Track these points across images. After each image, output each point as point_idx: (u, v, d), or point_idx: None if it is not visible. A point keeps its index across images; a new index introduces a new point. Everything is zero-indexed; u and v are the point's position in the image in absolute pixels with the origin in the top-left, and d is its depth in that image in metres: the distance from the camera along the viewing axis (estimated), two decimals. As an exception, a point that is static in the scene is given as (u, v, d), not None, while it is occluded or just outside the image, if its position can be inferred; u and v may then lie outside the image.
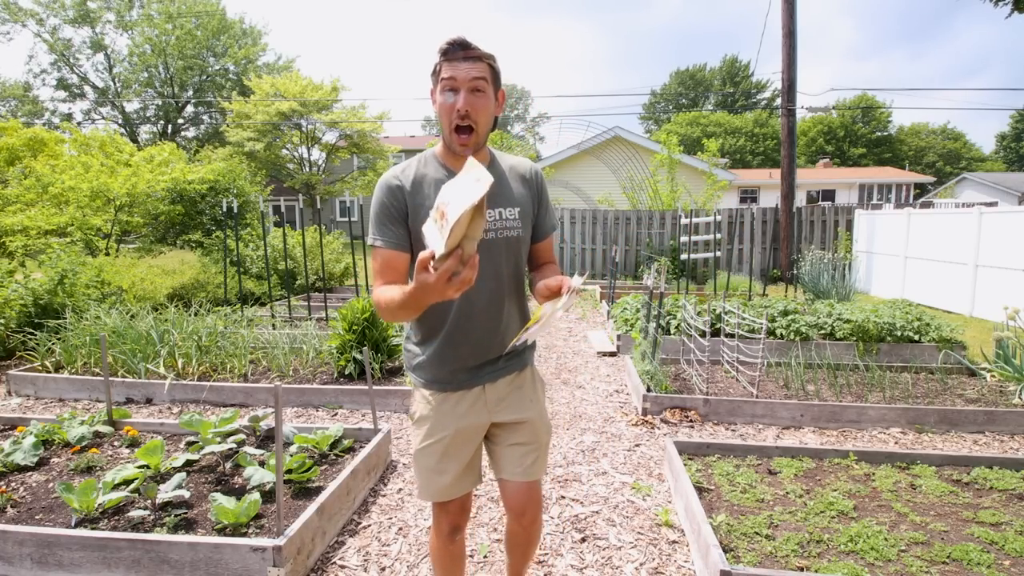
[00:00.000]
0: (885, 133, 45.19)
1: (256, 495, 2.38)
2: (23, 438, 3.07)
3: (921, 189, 32.24)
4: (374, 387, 4.18)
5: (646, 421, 4.00)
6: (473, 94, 1.39)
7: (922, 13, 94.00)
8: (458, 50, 1.38)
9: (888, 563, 2.14)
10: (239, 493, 2.59)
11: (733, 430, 3.86)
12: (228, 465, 2.88)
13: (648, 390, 4.19)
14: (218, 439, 3.06)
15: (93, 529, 2.30)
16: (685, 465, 2.90)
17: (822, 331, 5.68)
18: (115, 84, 32.10)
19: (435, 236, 1.09)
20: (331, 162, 25.76)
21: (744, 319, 4.89)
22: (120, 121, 32.16)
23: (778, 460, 3.05)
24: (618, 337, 6.12)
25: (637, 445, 3.62)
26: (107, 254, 8.56)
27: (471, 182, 1.05)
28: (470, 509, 1.74)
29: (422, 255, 1.08)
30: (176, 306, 5.86)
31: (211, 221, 10.18)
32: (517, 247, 1.54)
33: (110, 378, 4.43)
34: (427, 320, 1.54)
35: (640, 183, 15.24)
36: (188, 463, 2.92)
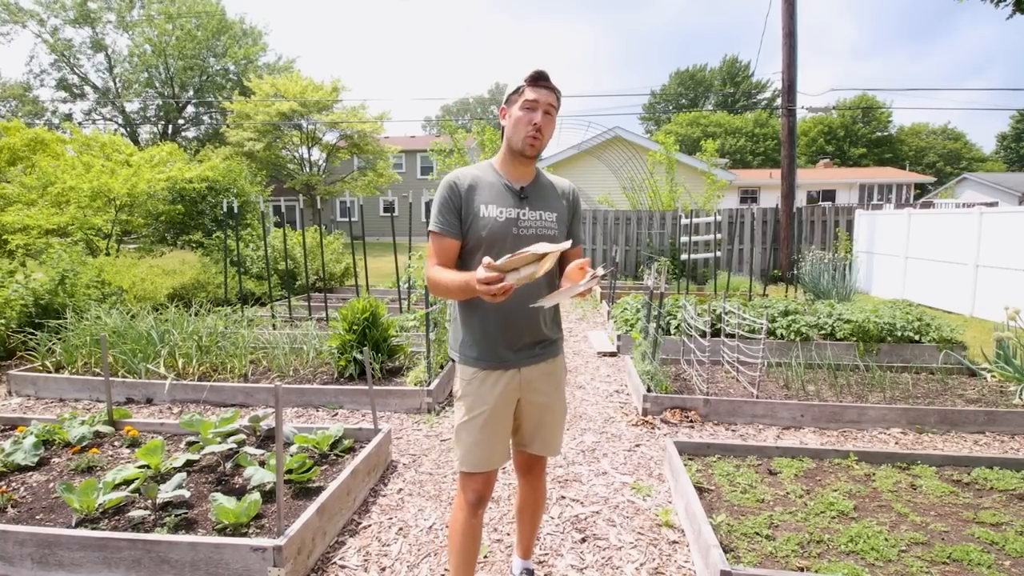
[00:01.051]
0: (885, 133, 45.17)
1: (256, 495, 2.38)
2: (24, 438, 3.07)
3: (921, 189, 32.23)
4: (374, 387, 4.18)
5: (646, 421, 4.00)
6: (546, 116, 1.73)
7: (924, 12, 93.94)
8: (541, 80, 1.72)
9: (888, 563, 2.14)
10: (239, 493, 2.60)
11: (733, 430, 3.86)
12: (228, 465, 2.89)
13: (648, 390, 4.19)
14: (218, 439, 3.06)
15: (93, 529, 2.30)
16: (685, 465, 2.90)
17: (822, 331, 5.68)
18: (115, 84, 32.10)
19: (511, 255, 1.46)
20: (331, 162, 25.74)
21: (744, 319, 4.89)
22: (120, 121, 32.17)
23: (778, 460, 3.05)
24: (618, 337, 6.12)
25: (637, 445, 3.62)
26: (108, 254, 8.57)
27: (552, 248, 1.45)
28: (494, 484, 1.93)
29: (486, 259, 1.44)
30: (176, 306, 5.86)
31: (211, 221, 10.18)
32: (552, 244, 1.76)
33: (110, 378, 4.44)
34: (477, 306, 1.79)
35: (640, 183, 15.24)
36: (188, 463, 2.92)
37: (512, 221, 1.75)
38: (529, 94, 1.71)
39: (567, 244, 1.51)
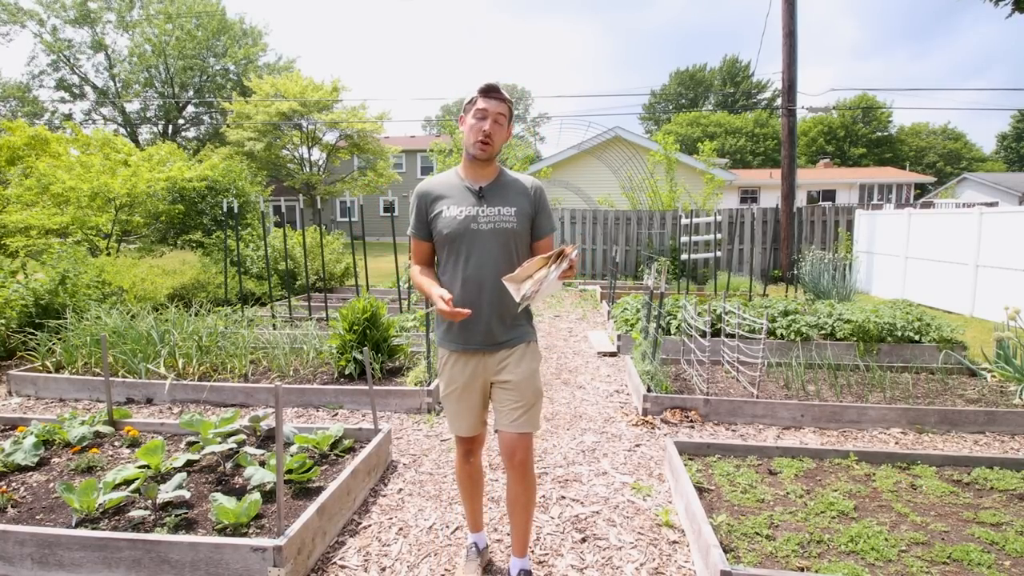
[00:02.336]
0: (885, 133, 45.15)
1: (256, 495, 2.38)
2: (24, 438, 3.07)
3: (921, 189, 32.22)
4: (374, 387, 4.18)
5: (646, 421, 4.00)
6: (495, 124, 1.95)
7: (925, 12, 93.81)
8: (492, 92, 1.95)
9: (888, 563, 2.14)
10: (239, 493, 2.60)
11: (733, 430, 3.86)
12: (228, 465, 2.89)
13: (648, 390, 4.19)
14: (218, 439, 3.06)
15: (94, 529, 2.30)
16: (685, 465, 2.90)
17: (822, 331, 5.68)
18: (115, 84, 32.08)
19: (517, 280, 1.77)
20: (331, 162, 25.73)
21: (744, 319, 4.89)
22: (120, 121, 32.16)
23: (778, 460, 3.05)
24: (618, 337, 6.12)
25: (637, 445, 3.62)
26: (108, 254, 8.56)
27: (551, 252, 1.77)
28: (482, 442, 2.25)
29: (447, 295, 1.89)
30: (177, 306, 5.86)
31: (211, 221, 10.18)
32: (511, 237, 2.00)
33: (111, 378, 4.44)
34: (448, 288, 2.03)
35: (640, 183, 15.24)
36: (189, 463, 2.92)
37: (471, 218, 1.96)
38: (480, 103, 1.94)
39: (572, 247, 1.74)
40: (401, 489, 3.02)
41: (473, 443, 2.19)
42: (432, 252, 2.12)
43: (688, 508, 2.52)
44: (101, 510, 2.44)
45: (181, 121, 34.03)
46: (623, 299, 7.13)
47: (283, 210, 8.96)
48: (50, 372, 4.72)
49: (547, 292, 1.75)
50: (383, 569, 2.33)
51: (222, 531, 2.30)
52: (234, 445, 3.04)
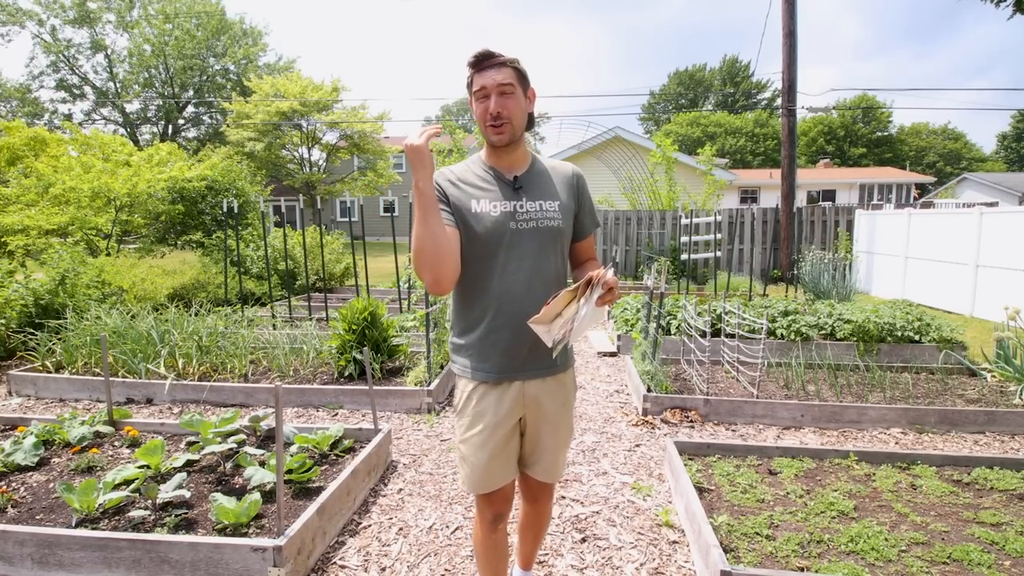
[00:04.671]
0: (885, 133, 45.17)
1: (256, 495, 2.38)
2: (24, 438, 3.07)
3: (922, 189, 32.22)
4: (374, 387, 4.19)
5: (646, 421, 4.00)
6: (502, 96, 1.53)
7: (928, 11, 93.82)
8: (484, 61, 1.53)
9: (888, 563, 2.14)
10: (239, 493, 2.60)
11: (733, 430, 3.86)
12: (228, 465, 2.88)
13: (648, 390, 4.19)
14: (218, 439, 3.06)
15: (94, 529, 2.30)
16: (685, 465, 2.90)
17: (822, 331, 5.68)
18: (115, 84, 32.08)
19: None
20: (331, 162, 25.74)
21: (744, 319, 4.89)
22: (120, 122, 32.15)
23: (778, 460, 3.05)
24: (618, 337, 6.12)
25: (637, 445, 3.62)
26: (108, 254, 8.56)
27: (579, 282, 1.43)
28: (512, 498, 1.79)
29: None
30: (177, 306, 5.86)
31: (212, 221, 10.18)
32: (556, 236, 1.62)
33: (111, 378, 4.44)
34: (472, 306, 1.63)
35: (640, 183, 15.23)
36: (188, 463, 2.92)
37: (508, 215, 1.57)
38: (477, 81, 1.55)
39: (602, 271, 1.41)
40: (401, 489, 3.02)
41: (505, 503, 1.73)
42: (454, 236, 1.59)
43: (688, 508, 2.52)
44: (101, 510, 2.44)
45: (181, 121, 34.03)
46: (623, 299, 7.13)
47: (283, 210, 8.94)
48: (50, 372, 4.72)
49: (585, 329, 1.44)
50: (383, 569, 2.33)
51: (222, 531, 2.30)
52: (234, 445, 3.04)
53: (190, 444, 3.14)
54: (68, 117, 31.56)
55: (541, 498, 1.86)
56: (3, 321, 5.39)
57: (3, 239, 8.37)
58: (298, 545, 2.17)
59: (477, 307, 1.61)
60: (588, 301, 1.41)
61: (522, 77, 1.57)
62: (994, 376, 4.74)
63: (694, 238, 12.01)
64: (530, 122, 1.63)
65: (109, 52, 31.19)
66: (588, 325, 1.45)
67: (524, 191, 1.61)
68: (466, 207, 1.58)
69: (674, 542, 2.52)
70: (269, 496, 2.56)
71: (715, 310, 5.38)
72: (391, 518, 2.73)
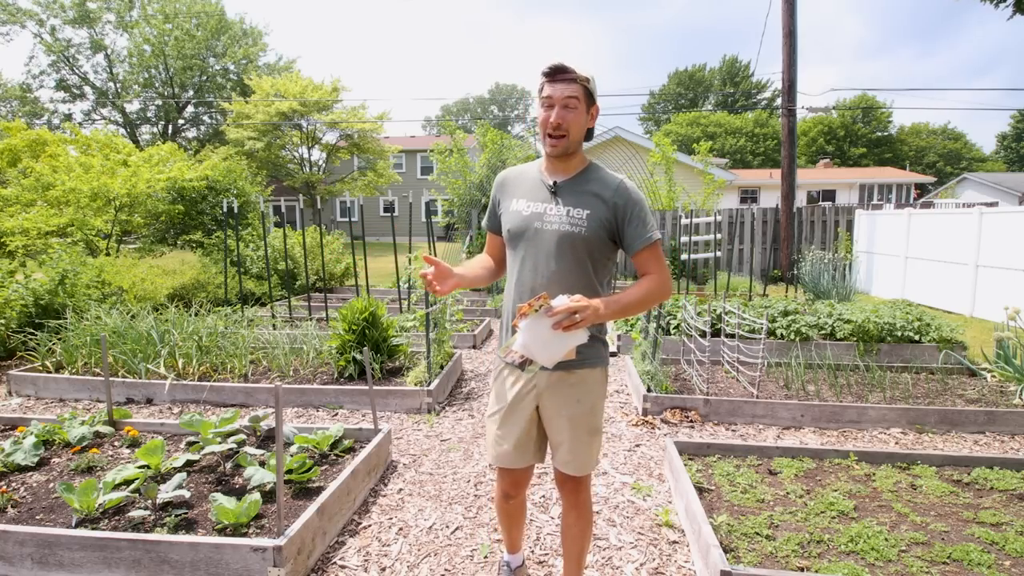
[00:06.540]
0: (885, 133, 45.17)
1: (256, 495, 2.38)
2: (24, 438, 3.07)
3: (922, 189, 32.22)
4: (374, 387, 4.18)
5: (646, 421, 4.00)
6: (565, 110, 1.63)
7: (930, 11, 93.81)
8: (557, 73, 1.63)
9: (888, 563, 2.14)
10: (239, 493, 2.59)
11: (733, 430, 3.86)
12: (228, 465, 2.88)
13: (648, 390, 4.19)
14: (218, 439, 3.06)
15: (94, 529, 2.30)
16: (685, 465, 2.90)
17: (822, 331, 5.68)
18: (115, 85, 32.07)
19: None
20: (331, 162, 25.73)
21: (744, 319, 4.89)
22: (120, 122, 32.15)
23: (778, 460, 3.05)
24: (618, 337, 6.12)
25: (637, 445, 3.62)
26: (108, 254, 8.56)
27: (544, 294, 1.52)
28: (525, 483, 1.93)
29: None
30: (176, 306, 5.86)
31: (212, 221, 10.18)
32: (577, 242, 1.69)
33: (111, 378, 4.44)
34: (507, 292, 1.82)
35: (640, 183, 15.23)
36: (188, 463, 2.92)
37: (536, 215, 1.71)
38: (546, 90, 1.66)
39: (544, 297, 1.48)
40: (401, 489, 3.02)
41: (515, 486, 1.88)
42: (500, 247, 1.88)
43: (688, 508, 2.52)
44: (101, 510, 2.44)
45: (181, 121, 34.02)
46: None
47: (283, 210, 8.97)
48: (50, 372, 4.72)
49: (554, 352, 1.50)
50: (383, 569, 2.33)
51: (222, 531, 2.30)
52: (234, 445, 3.04)
53: (190, 444, 3.14)
54: (68, 117, 31.57)
55: (565, 488, 1.86)
56: (3, 321, 5.39)
57: (2, 240, 8.37)
58: (298, 545, 2.17)
59: (507, 294, 1.81)
60: (537, 319, 1.46)
61: (589, 95, 1.67)
62: (994, 376, 4.74)
63: (694, 238, 12.01)
64: (588, 135, 1.74)
65: (109, 52, 31.17)
66: (557, 350, 1.50)
67: (559, 195, 1.72)
68: (504, 204, 1.82)
69: (674, 542, 2.53)
70: (269, 496, 2.56)
71: (715, 310, 5.38)
72: (391, 518, 2.73)
